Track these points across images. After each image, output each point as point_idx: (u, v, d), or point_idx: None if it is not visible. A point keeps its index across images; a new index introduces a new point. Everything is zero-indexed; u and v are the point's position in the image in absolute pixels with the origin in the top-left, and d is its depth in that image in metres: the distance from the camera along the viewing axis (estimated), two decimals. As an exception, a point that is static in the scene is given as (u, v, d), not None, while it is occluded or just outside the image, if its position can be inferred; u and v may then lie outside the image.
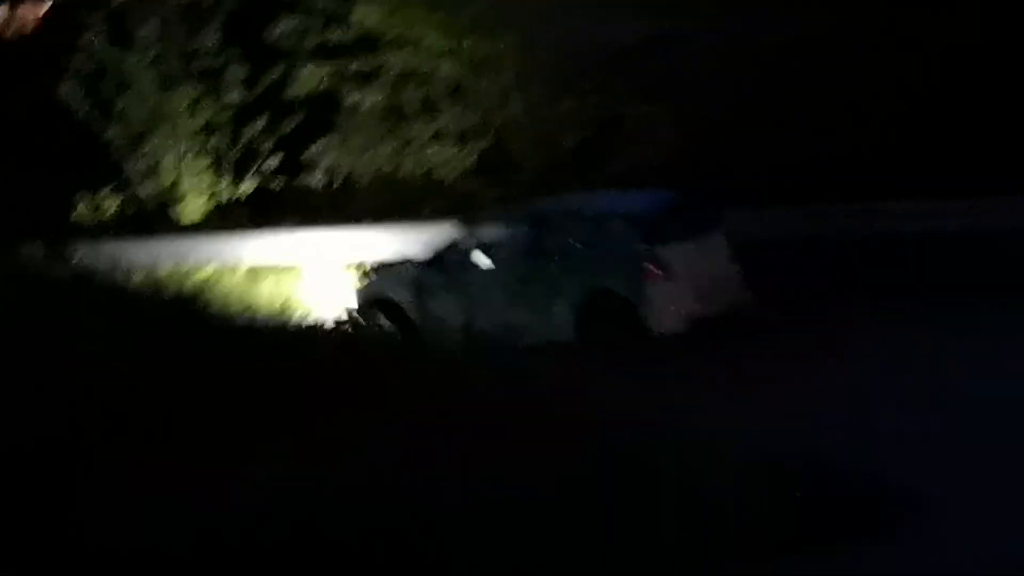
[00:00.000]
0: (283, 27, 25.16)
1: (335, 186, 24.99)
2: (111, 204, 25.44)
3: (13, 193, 22.93)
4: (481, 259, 19.35)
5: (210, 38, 25.34)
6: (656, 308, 18.23)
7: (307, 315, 18.32)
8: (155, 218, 25.49)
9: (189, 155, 25.40)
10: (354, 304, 20.03)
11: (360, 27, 24.76)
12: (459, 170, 24.24)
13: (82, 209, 25.32)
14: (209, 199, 25.46)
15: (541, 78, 24.04)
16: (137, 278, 18.70)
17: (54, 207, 24.62)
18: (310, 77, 24.99)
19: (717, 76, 22.78)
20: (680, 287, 18.38)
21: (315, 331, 15.53)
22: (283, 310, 17.37)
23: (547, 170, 23.28)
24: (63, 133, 24.98)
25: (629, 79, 23.27)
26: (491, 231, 19.69)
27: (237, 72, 25.21)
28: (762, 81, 22.61)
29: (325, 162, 25.01)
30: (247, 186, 25.34)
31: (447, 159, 24.31)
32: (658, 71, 23.07)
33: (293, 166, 25.16)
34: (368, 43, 24.79)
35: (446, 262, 19.55)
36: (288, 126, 24.99)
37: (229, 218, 25.10)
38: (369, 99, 24.64)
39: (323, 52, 24.95)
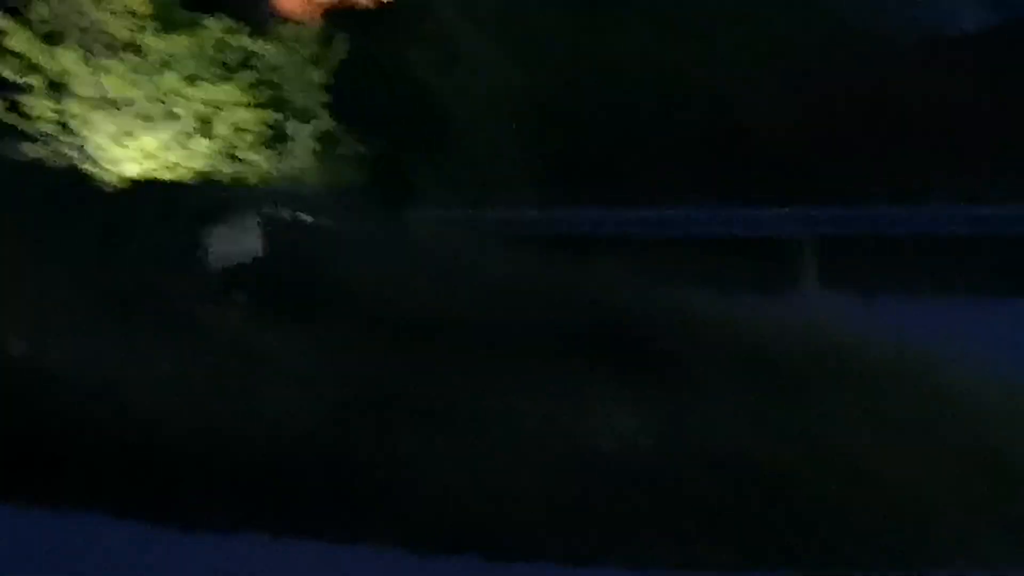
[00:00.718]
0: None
1: (658, 162, 25.12)
2: (452, 176, 26.02)
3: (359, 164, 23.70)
4: None
5: (548, 14, 25.78)
6: None
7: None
8: (489, 192, 26.01)
9: (521, 132, 25.85)
10: None
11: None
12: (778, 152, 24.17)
13: (425, 180, 25.95)
14: (542, 174, 25.85)
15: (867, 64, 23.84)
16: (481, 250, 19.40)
17: (397, 177, 25.31)
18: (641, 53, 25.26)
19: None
20: None
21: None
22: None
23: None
24: (409, 104, 25.62)
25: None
26: None
27: (572, 49, 25.58)
28: None
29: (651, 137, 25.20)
30: (578, 162, 25.68)
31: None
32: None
33: (621, 143, 25.40)
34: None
35: None
36: (621, 105, 25.28)
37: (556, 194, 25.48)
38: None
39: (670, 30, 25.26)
